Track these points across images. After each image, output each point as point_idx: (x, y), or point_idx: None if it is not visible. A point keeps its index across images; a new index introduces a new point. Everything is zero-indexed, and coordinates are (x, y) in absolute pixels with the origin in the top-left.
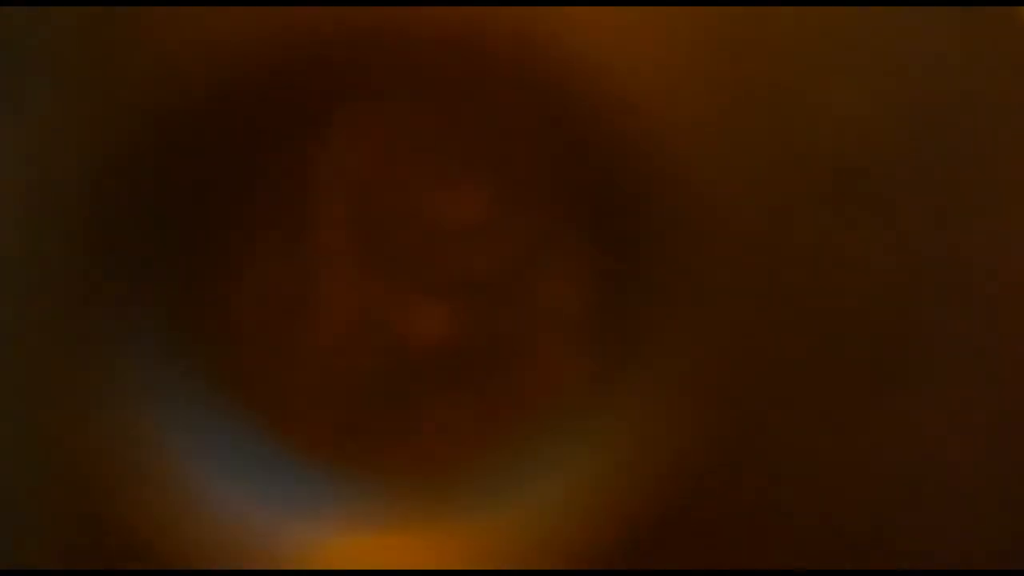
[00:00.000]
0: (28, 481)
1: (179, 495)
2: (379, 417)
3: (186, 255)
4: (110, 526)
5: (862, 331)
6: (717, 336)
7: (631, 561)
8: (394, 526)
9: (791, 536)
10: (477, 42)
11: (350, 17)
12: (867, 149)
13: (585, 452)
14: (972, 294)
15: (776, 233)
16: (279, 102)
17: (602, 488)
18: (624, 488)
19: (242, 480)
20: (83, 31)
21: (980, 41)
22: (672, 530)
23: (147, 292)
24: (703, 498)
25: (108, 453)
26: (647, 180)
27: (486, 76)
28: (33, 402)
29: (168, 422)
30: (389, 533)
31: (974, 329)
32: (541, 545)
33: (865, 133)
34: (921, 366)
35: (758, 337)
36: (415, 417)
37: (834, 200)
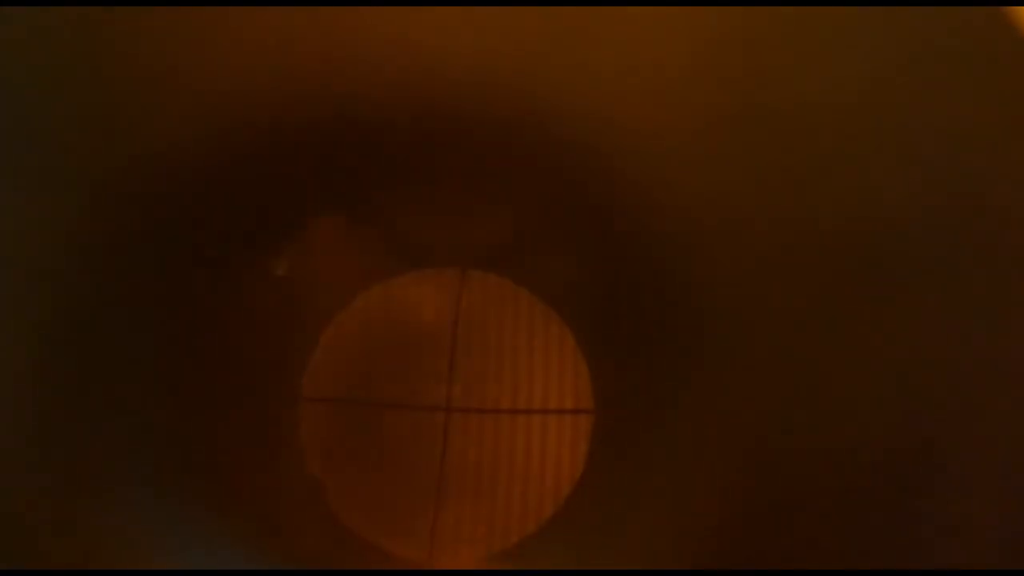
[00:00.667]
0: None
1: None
2: (367, 532)
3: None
4: None
5: (877, 421)
6: (726, 423)
7: None
8: None
9: None
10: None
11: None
12: (887, 229)
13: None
14: (991, 389)
15: (790, 314)
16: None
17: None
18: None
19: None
20: (83, 116)
21: (1011, 138)
22: None
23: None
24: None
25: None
26: (660, 263)
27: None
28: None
29: (161, 540)
30: None
31: (992, 425)
32: None
33: (886, 214)
34: (944, 473)
35: (768, 422)
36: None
37: (850, 278)
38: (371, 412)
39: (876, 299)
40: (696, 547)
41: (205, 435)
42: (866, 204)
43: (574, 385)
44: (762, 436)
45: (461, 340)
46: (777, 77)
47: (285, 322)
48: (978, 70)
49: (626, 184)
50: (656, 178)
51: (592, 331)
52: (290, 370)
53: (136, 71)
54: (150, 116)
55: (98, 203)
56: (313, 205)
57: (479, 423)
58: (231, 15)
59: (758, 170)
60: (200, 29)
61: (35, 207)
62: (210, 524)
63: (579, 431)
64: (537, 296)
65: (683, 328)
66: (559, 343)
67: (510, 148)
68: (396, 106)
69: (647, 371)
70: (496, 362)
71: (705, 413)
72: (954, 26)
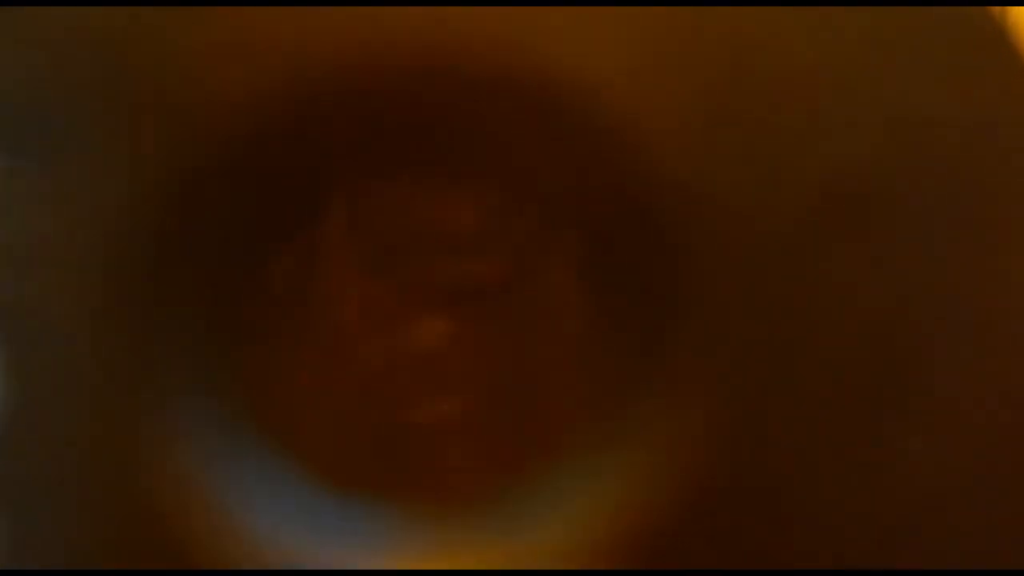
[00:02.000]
0: (81, 490)
1: (217, 520)
2: (402, 454)
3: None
4: (150, 531)
5: (860, 354)
6: (720, 358)
7: None
8: (412, 554)
9: (796, 548)
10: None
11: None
12: (866, 178)
13: (596, 481)
14: (969, 319)
15: (777, 258)
16: (297, 153)
17: (615, 511)
18: (636, 509)
19: (274, 509)
20: (107, 93)
21: (977, 72)
22: (683, 551)
23: (186, 345)
24: (713, 517)
25: (155, 477)
26: (652, 203)
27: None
28: (91, 439)
29: (210, 456)
30: (409, 560)
31: (969, 351)
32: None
33: (863, 163)
34: (917, 388)
35: (759, 359)
36: (437, 455)
37: (833, 226)
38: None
39: (856, 246)
40: (709, 467)
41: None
42: (848, 167)
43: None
44: (754, 389)
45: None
46: (764, 46)
47: (270, 329)
48: (948, 34)
49: (617, 143)
50: (647, 141)
51: (595, 256)
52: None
53: (157, 73)
54: (175, 114)
55: (142, 191)
56: (312, 196)
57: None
58: (239, 14)
59: (744, 139)
60: (209, 30)
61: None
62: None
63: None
64: (542, 291)
65: (679, 282)
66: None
67: (507, 110)
68: (400, 79)
69: (651, 299)
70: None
71: (704, 342)
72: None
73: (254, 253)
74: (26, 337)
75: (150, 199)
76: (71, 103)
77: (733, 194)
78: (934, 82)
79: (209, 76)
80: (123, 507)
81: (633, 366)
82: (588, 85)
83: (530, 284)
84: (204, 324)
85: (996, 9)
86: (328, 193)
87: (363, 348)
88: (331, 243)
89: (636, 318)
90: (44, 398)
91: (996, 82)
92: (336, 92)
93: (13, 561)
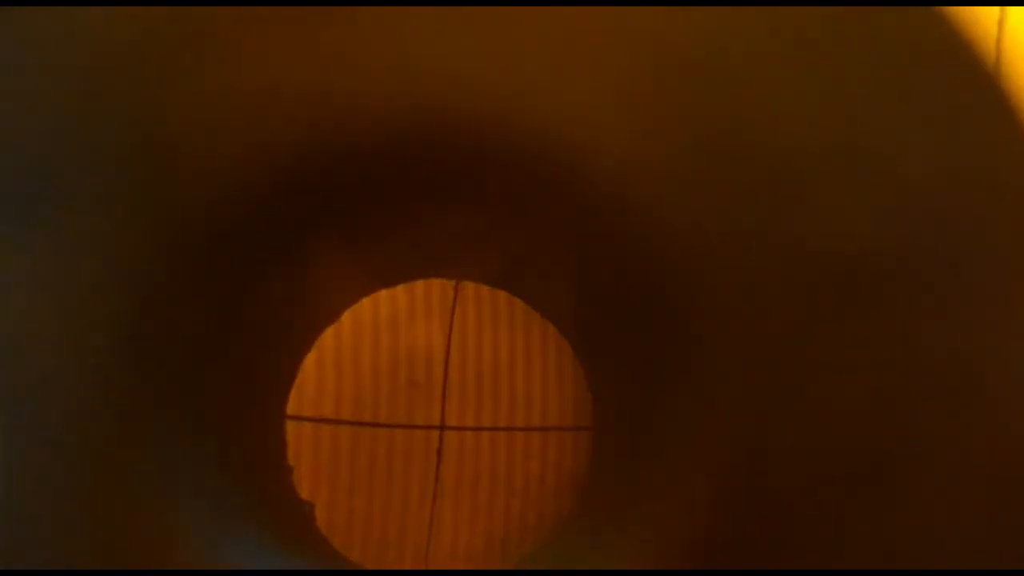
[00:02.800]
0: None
1: None
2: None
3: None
4: None
5: (854, 428)
6: (719, 429)
7: None
8: None
9: None
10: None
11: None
12: (862, 243)
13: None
14: (972, 391)
15: (771, 325)
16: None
17: None
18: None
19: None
20: (122, 155)
21: (977, 137)
22: None
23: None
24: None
25: (149, 556)
26: (643, 265)
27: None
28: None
29: (204, 536)
30: None
31: (972, 425)
32: None
33: (859, 227)
34: (920, 463)
35: (758, 428)
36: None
37: (834, 294)
38: (361, 432)
39: (857, 311)
40: (692, 559)
41: (186, 451)
42: (842, 226)
43: (573, 401)
44: (752, 443)
45: (455, 356)
46: (757, 107)
47: (271, 338)
48: (943, 96)
49: (615, 205)
50: (645, 203)
51: (591, 345)
52: (275, 388)
53: (180, 110)
54: (194, 152)
55: (148, 225)
56: (311, 223)
57: (474, 442)
58: (240, 67)
59: (742, 193)
60: (214, 82)
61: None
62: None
63: (579, 448)
64: (534, 308)
65: (678, 342)
66: (557, 358)
67: (504, 174)
68: (393, 133)
69: (644, 386)
70: (492, 378)
71: (700, 425)
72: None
73: (244, 283)
74: (22, 421)
75: (145, 271)
76: (63, 176)
77: (726, 258)
78: (933, 146)
79: (206, 140)
80: None
81: (622, 439)
82: (580, 146)
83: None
84: (201, 402)
85: (993, 65)
86: (324, 224)
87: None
88: (326, 260)
89: (627, 383)
90: (40, 481)
91: (997, 147)
92: (335, 147)
93: None
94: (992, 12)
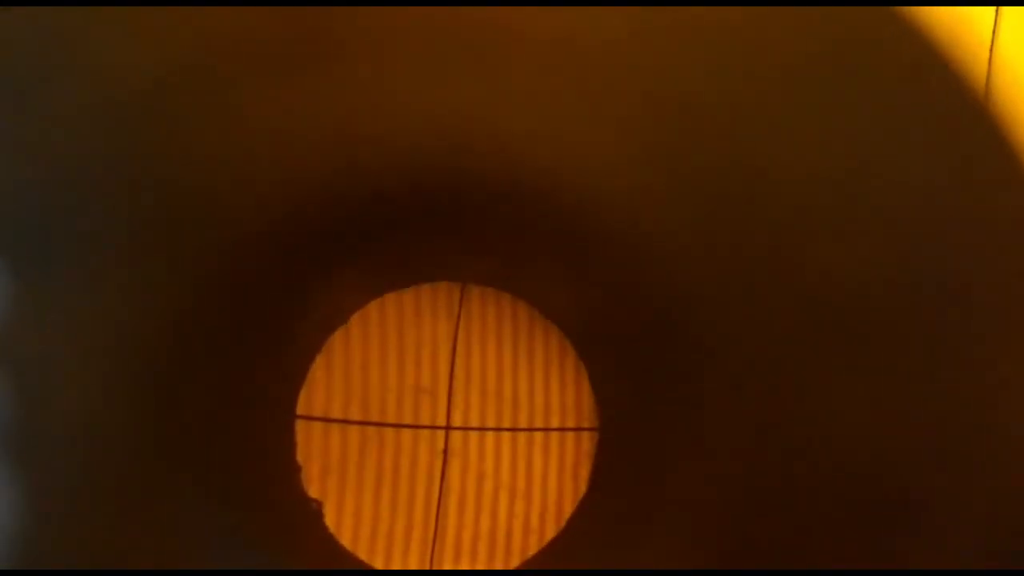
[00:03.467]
0: None
1: None
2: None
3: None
4: None
5: (861, 460)
6: (720, 432)
7: None
8: None
9: None
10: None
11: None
12: (860, 280)
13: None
14: (968, 426)
15: (770, 364)
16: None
17: None
18: None
19: None
20: (130, 200)
21: (976, 178)
22: None
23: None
24: None
25: None
26: (656, 293)
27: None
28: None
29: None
30: None
31: (970, 456)
32: None
33: (857, 265)
34: (921, 506)
35: (757, 431)
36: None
37: (836, 336)
38: (368, 432)
39: (852, 341)
40: (698, 561)
41: (200, 452)
42: (841, 268)
43: (576, 403)
44: (752, 446)
45: (461, 358)
46: (756, 151)
47: (281, 341)
48: (937, 136)
49: (618, 233)
50: (647, 230)
51: (594, 347)
52: (284, 389)
53: (204, 152)
54: (214, 205)
55: (172, 260)
56: (324, 240)
57: (479, 442)
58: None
59: (741, 221)
60: (242, 115)
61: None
62: (212, 533)
63: (582, 449)
64: (538, 311)
65: (679, 348)
66: (561, 359)
67: (512, 208)
68: (406, 172)
69: (647, 388)
70: (497, 380)
71: (700, 427)
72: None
73: (259, 292)
74: (42, 458)
75: (168, 304)
76: (95, 212)
77: (722, 275)
78: (931, 185)
79: (227, 172)
80: None
81: (625, 441)
82: (585, 180)
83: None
84: (212, 403)
85: (1000, 117)
86: (336, 260)
87: None
88: (335, 265)
89: (630, 385)
90: (60, 518)
91: (992, 189)
92: (351, 184)
93: None
94: (983, 51)
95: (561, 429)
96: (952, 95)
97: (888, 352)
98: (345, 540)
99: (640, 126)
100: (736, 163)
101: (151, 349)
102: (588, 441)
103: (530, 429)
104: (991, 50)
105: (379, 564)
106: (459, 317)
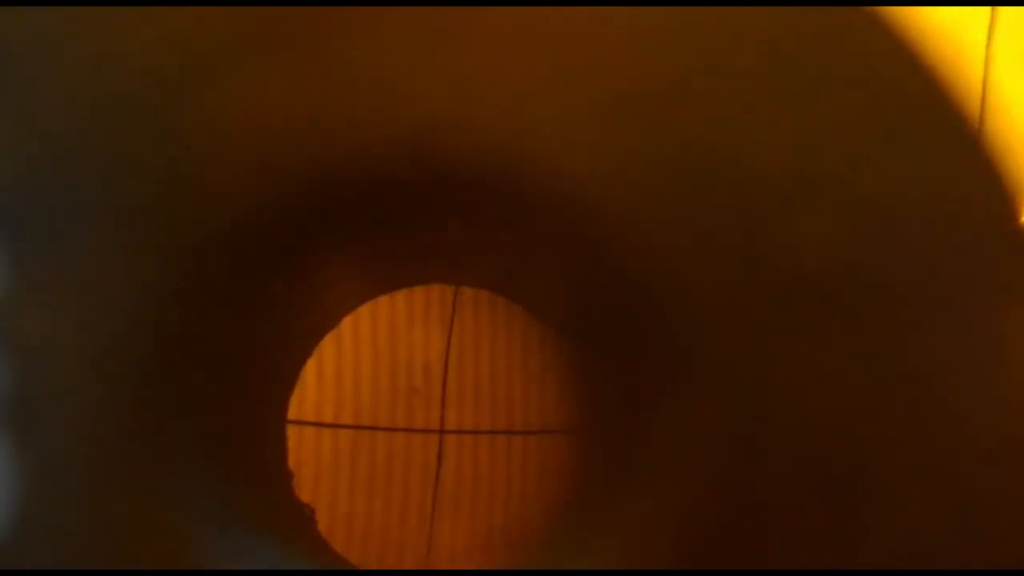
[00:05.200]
0: None
1: None
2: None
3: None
4: None
5: (834, 427)
6: (704, 431)
7: None
8: None
9: None
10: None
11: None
12: (835, 259)
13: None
14: (932, 400)
15: (749, 337)
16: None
17: None
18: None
19: None
20: (116, 176)
21: (949, 155)
22: None
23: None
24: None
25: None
26: (635, 296)
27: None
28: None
29: (212, 541)
30: None
31: (934, 432)
32: None
33: (833, 244)
34: (886, 467)
35: (740, 429)
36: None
37: (806, 313)
38: (360, 436)
39: (827, 323)
40: (679, 555)
41: (195, 459)
42: (811, 248)
43: (568, 406)
44: (735, 445)
45: (453, 361)
46: (735, 135)
47: (272, 344)
48: (909, 123)
49: (600, 220)
50: (628, 219)
51: (584, 351)
52: (276, 394)
53: (195, 130)
54: (203, 182)
55: (163, 240)
56: (314, 236)
57: (473, 445)
58: (270, 80)
59: (715, 208)
60: (232, 95)
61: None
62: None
63: (573, 451)
64: (530, 314)
65: (665, 349)
66: (552, 363)
67: (501, 194)
68: (394, 157)
69: (634, 391)
70: (489, 383)
71: (686, 428)
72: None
73: (248, 291)
74: (35, 431)
75: (156, 285)
76: (78, 197)
77: (702, 269)
78: (900, 169)
79: (215, 162)
80: None
81: (614, 442)
82: (568, 176)
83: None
84: (204, 408)
85: (971, 106)
86: (326, 261)
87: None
88: (326, 268)
89: (618, 387)
90: (51, 487)
91: (967, 163)
92: (340, 168)
93: None
94: (976, 53)
95: (554, 431)
96: (919, 83)
97: (853, 329)
98: (338, 544)
99: (618, 115)
100: (708, 151)
101: (139, 341)
102: (579, 443)
103: (524, 432)
104: (987, 47)
105: (372, 567)
106: (452, 320)
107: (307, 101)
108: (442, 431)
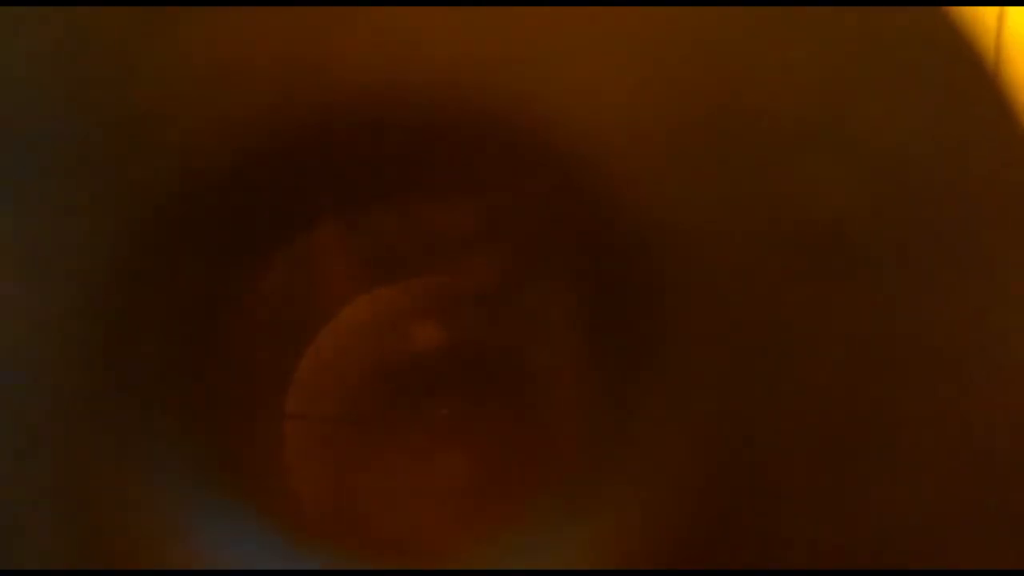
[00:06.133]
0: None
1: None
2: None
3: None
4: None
5: (842, 399)
6: (705, 409)
7: None
8: None
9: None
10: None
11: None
12: (842, 211)
13: (586, 516)
14: (948, 366)
15: (762, 298)
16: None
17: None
18: (625, 544)
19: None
20: (85, 125)
21: (959, 109)
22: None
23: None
24: (700, 550)
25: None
26: (643, 247)
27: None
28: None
29: (182, 507)
30: None
31: (947, 397)
32: None
33: (847, 205)
34: (896, 434)
35: (744, 396)
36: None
37: (816, 269)
38: (359, 429)
39: (834, 281)
40: (671, 535)
41: (190, 451)
42: (822, 200)
43: (569, 395)
44: (737, 423)
45: (451, 352)
46: (739, 83)
47: (269, 337)
48: (920, 69)
49: (603, 187)
50: (627, 181)
51: (588, 340)
52: (273, 387)
53: (154, 84)
54: (165, 131)
55: (121, 213)
56: (305, 215)
57: (472, 437)
58: (232, 20)
59: (725, 175)
60: (202, 39)
61: (66, 217)
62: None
63: (573, 440)
64: (529, 303)
65: (665, 322)
66: (553, 352)
67: (499, 163)
68: (392, 117)
69: (634, 373)
70: (489, 373)
71: (686, 406)
72: (899, 26)
73: (239, 277)
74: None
75: (124, 235)
76: (44, 137)
77: (711, 226)
78: (914, 118)
79: (199, 99)
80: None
81: (625, 410)
82: (573, 123)
83: (517, 299)
84: (198, 400)
85: (986, 49)
86: (319, 214)
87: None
88: (324, 256)
89: (618, 372)
90: (10, 451)
91: (978, 118)
92: (326, 121)
93: None
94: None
95: (556, 421)
96: (940, 37)
97: (867, 285)
98: (336, 540)
99: (625, 68)
100: (720, 105)
101: (112, 313)
102: (580, 430)
103: (524, 423)
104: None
105: (370, 562)
106: (449, 311)
107: (288, 46)
108: (441, 423)
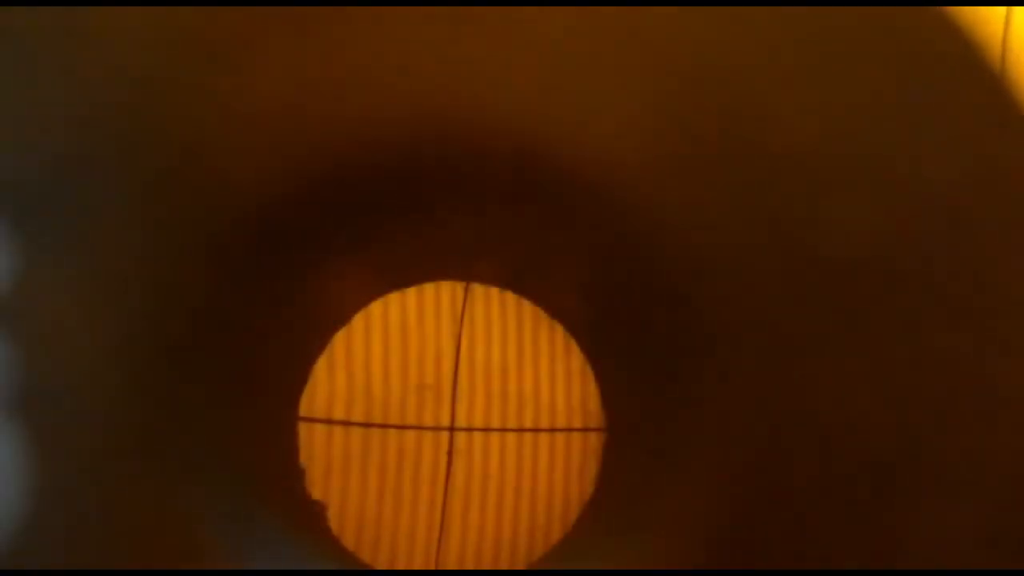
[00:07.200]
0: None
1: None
2: (369, 555)
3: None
4: None
5: (874, 429)
6: (732, 428)
7: None
8: None
9: None
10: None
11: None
12: (864, 243)
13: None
14: (984, 401)
15: (788, 329)
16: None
17: None
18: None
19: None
20: (126, 170)
21: (981, 137)
22: None
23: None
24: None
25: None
26: (664, 280)
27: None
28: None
29: (224, 533)
30: None
31: (983, 437)
32: None
33: (862, 227)
34: (923, 476)
35: (771, 427)
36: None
37: (845, 297)
38: (371, 433)
39: (868, 315)
40: (703, 560)
41: (204, 453)
42: (854, 226)
43: (582, 403)
44: (766, 444)
45: (464, 357)
46: (763, 113)
47: (283, 342)
48: (947, 89)
49: (626, 212)
50: (654, 205)
51: (600, 346)
52: (286, 391)
53: (203, 120)
54: (217, 161)
55: (174, 232)
56: (322, 229)
57: (484, 443)
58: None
59: (752, 196)
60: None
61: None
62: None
63: (588, 450)
64: (543, 309)
65: (690, 342)
66: (566, 359)
67: (515, 180)
68: (402, 141)
69: (654, 388)
70: (501, 379)
71: (712, 425)
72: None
73: (264, 288)
74: (48, 419)
75: (170, 278)
76: (90, 182)
77: (735, 258)
78: (945, 151)
79: (227, 147)
80: None
81: (633, 440)
82: (586, 150)
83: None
84: (216, 405)
85: (1001, 68)
86: (334, 228)
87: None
88: (338, 264)
89: (638, 383)
90: (63, 478)
91: (1000, 147)
92: (348, 157)
93: None
94: (998, 13)
95: (567, 429)
96: (968, 62)
97: (895, 319)
98: (348, 542)
99: (646, 93)
100: (743, 134)
101: (154, 333)
102: (595, 441)
103: (535, 429)
104: (1003, 45)
105: (382, 565)
106: (463, 316)
107: (325, 85)
108: (453, 428)
